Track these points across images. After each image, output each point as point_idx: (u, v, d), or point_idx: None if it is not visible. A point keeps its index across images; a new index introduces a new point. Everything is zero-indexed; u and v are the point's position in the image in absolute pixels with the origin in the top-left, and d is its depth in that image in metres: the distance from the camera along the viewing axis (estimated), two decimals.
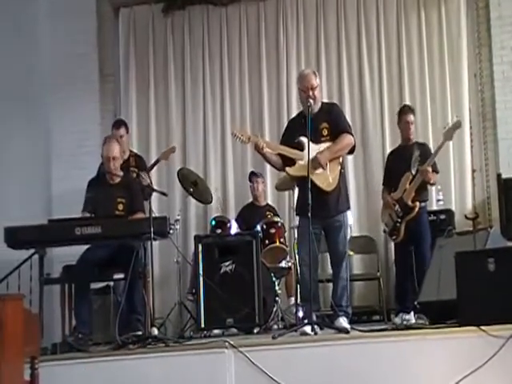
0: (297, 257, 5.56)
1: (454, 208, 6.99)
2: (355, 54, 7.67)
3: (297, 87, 5.52)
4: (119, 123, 6.71)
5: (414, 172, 5.89)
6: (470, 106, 7.33)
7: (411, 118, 6.21)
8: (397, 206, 5.95)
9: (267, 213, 6.95)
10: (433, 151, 6.11)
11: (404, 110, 6.29)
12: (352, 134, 5.31)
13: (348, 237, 5.49)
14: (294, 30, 7.82)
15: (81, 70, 7.70)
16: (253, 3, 7.93)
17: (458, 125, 5.95)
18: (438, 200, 7.00)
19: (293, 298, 6.58)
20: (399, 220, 5.91)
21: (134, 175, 6.29)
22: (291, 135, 5.32)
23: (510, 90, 7.18)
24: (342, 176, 5.30)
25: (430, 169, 5.85)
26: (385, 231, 6.19)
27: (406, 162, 5.96)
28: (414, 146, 6.11)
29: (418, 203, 5.85)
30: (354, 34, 7.68)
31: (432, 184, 6.08)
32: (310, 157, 5.03)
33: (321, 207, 5.04)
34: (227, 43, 7.92)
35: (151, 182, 5.93)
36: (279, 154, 5.29)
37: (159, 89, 7.98)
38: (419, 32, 7.55)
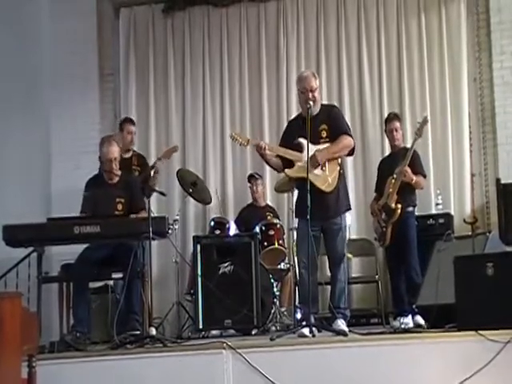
0: (296, 259, 5.55)
1: (452, 212, 6.98)
2: (355, 56, 7.65)
3: (296, 89, 5.52)
4: (131, 119, 6.75)
5: (395, 176, 5.90)
6: (470, 110, 7.32)
7: (396, 125, 6.21)
8: (382, 212, 5.97)
9: (267, 213, 6.94)
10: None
11: (389, 118, 6.32)
12: (351, 136, 5.31)
13: (346, 238, 5.48)
14: (294, 32, 7.80)
15: (81, 70, 7.68)
16: (253, 4, 7.91)
17: (425, 121, 6.02)
18: (437, 204, 7.00)
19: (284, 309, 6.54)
20: (384, 225, 5.92)
21: (152, 172, 6.24)
22: (290, 137, 5.32)
23: (510, 95, 7.17)
24: (342, 177, 5.30)
25: (407, 169, 5.85)
26: (375, 238, 6.21)
27: (393, 169, 5.98)
28: (401, 151, 6.12)
29: (399, 205, 5.84)
30: (354, 36, 7.67)
31: (416, 186, 6.04)
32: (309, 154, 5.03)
33: (320, 208, 5.03)
34: (227, 44, 7.91)
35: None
36: (278, 156, 5.29)
37: (159, 89, 7.97)
38: (419, 36, 7.53)
